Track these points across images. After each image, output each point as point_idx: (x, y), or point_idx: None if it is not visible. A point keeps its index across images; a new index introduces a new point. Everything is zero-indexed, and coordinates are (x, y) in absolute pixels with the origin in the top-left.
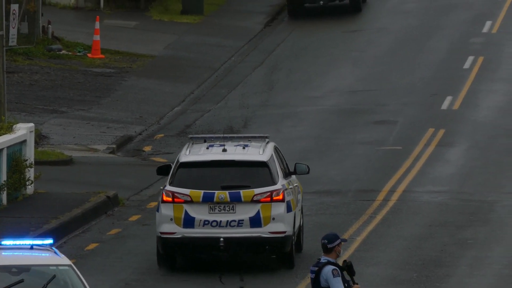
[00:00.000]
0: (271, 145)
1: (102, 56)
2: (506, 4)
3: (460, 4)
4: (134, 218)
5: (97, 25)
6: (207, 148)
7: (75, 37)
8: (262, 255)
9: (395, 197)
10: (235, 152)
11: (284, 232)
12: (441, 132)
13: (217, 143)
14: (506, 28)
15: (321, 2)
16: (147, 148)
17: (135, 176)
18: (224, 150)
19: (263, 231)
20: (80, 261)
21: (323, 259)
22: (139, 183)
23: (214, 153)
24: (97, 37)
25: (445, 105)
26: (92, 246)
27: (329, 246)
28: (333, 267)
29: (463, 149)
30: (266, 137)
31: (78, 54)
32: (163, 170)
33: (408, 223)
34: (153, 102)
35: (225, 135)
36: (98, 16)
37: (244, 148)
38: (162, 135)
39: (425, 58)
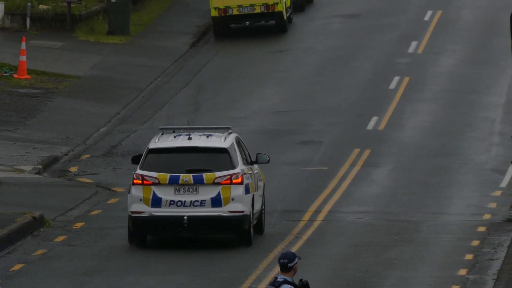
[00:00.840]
0: (233, 135)
1: (28, 76)
2: (431, 24)
3: (385, 24)
4: (60, 238)
5: (23, 45)
6: (175, 137)
7: (1, 57)
8: (222, 233)
9: (320, 217)
10: (199, 140)
11: (242, 211)
12: (367, 152)
13: (185, 133)
14: (432, 48)
15: (247, 22)
16: (73, 169)
17: (61, 197)
18: (190, 138)
19: (223, 211)
20: (5, 282)
21: (280, 277)
22: (65, 204)
23: (180, 141)
24: (23, 58)
25: (370, 126)
26: (17, 267)
27: (289, 265)
28: (290, 286)
29: (389, 170)
30: (229, 128)
31: (4, 74)
32: (137, 158)
33: (333, 244)
34: (79, 123)
35: (191, 126)
36: (24, 37)
37: (208, 137)
38: (88, 155)
39: (351, 78)
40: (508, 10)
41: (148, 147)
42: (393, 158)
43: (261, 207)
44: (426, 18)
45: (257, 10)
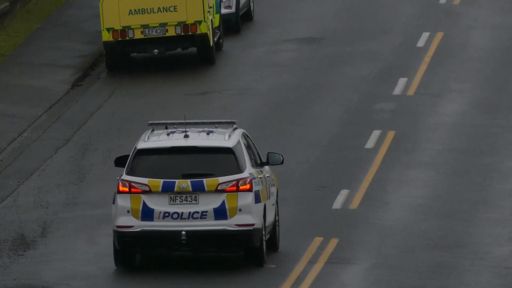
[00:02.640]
0: (238, 131)
1: None
2: (428, 53)
3: (359, 53)
4: None
5: None
6: (168, 134)
7: None
8: (228, 251)
9: None
10: (198, 138)
11: (252, 224)
12: (333, 242)
13: (180, 129)
14: (428, 88)
15: (156, 50)
16: None
17: None
18: (186, 136)
19: (228, 224)
20: None
21: None
22: None
23: (175, 139)
24: None
25: (338, 203)
26: None
27: None
28: None
29: (366, 268)
30: (234, 123)
31: None
32: (121, 160)
33: None
34: None
35: (188, 121)
36: None
37: (208, 134)
38: None
39: (307, 132)
40: None
41: (136, 147)
42: (373, 251)
43: (275, 217)
44: (420, 43)
45: (171, 32)
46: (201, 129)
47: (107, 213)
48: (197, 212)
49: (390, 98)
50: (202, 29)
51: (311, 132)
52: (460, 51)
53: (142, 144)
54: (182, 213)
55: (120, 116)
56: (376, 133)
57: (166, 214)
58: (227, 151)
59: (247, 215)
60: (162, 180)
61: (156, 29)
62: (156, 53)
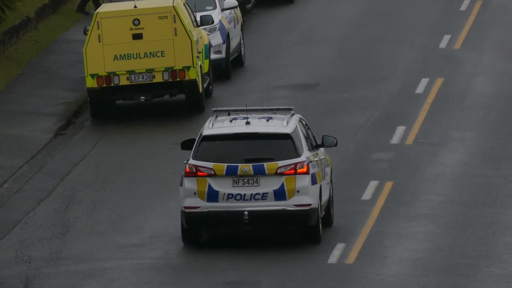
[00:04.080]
0: (296, 117)
1: None
2: (427, 100)
3: (356, 100)
4: None
5: None
6: (231, 121)
7: None
8: (287, 229)
9: None
10: (258, 124)
11: (309, 204)
12: None
13: (241, 115)
14: (428, 137)
15: (142, 98)
16: None
17: None
18: (248, 123)
19: (287, 204)
20: None
21: None
22: None
23: (237, 126)
24: None
25: (333, 257)
26: None
27: None
28: None
29: None
30: (291, 109)
31: None
32: (188, 144)
33: None
34: None
35: (248, 108)
36: None
37: (268, 120)
38: None
39: None
40: None
41: (201, 134)
42: None
43: (329, 196)
44: (419, 90)
45: (158, 78)
46: (261, 116)
47: (92, 268)
48: (259, 194)
49: (388, 147)
50: (191, 75)
51: None
52: (461, 98)
53: (207, 131)
54: (245, 194)
55: (105, 166)
56: (373, 184)
57: (230, 196)
58: (286, 137)
59: (304, 196)
60: (226, 164)
61: (143, 75)
62: (142, 100)
